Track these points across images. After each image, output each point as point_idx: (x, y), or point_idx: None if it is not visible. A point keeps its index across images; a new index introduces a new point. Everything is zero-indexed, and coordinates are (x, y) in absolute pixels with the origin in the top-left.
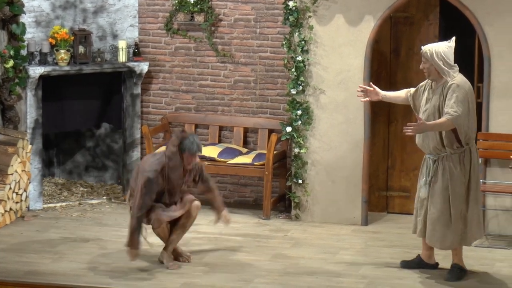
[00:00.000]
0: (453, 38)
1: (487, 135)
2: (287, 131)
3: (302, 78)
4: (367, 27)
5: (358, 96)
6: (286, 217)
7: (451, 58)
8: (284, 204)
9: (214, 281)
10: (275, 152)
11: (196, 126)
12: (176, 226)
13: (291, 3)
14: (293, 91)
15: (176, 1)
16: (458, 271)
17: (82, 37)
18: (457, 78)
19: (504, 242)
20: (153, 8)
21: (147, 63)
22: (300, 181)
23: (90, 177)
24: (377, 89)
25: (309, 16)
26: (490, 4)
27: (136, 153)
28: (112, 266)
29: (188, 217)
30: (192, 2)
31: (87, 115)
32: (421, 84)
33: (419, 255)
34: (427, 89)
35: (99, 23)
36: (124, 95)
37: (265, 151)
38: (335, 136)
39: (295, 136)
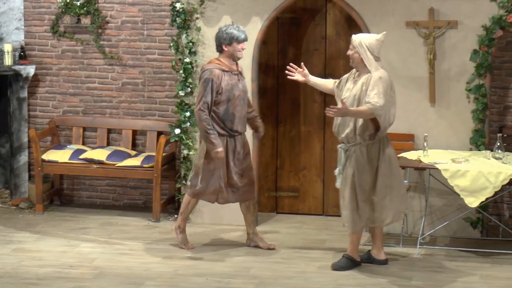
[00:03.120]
0: (384, 33)
1: None
2: (176, 133)
3: (190, 80)
4: (255, 28)
5: (286, 72)
6: (176, 219)
7: (376, 51)
8: (174, 206)
9: (104, 285)
10: (164, 154)
11: (84, 129)
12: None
13: (178, 5)
14: (182, 93)
15: (62, 4)
16: (347, 261)
17: None
18: (381, 70)
19: (393, 240)
20: (39, 11)
21: (34, 66)
22: (189, 183)
23: None
24: (306, 71)
25: (197, 18)
26: (375, 5)
27: (23, 157)
28: None
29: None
30: (79, 4)
31: None
32: (344, 76)
33: (369, 251)
34: (350, 79)
35: None
36: (10, 99)
37: (154, 154)
38: None
39: (184, 138)
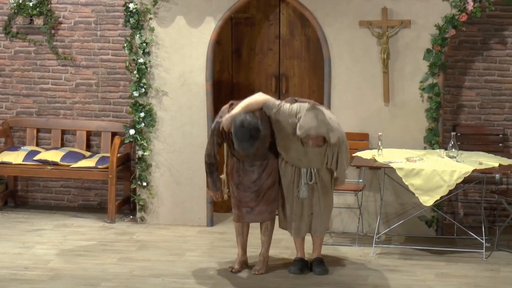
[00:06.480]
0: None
1: None
2: (131, 133)
3: (144, 80)
4: (208, 28)
5: None
6: (131, 220)
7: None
8: (129, 207)
9: (60, 286)
10: (118, 155)
11: (38, 130)
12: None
13: (131, 5)
14: (136, 94)
15: (15, 4)
16: (324, 263)
17: None
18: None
19: (348, 239)
20: None
21: None
22: (144, 184)
23: None
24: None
25: (150, 18)
26: (328, 5)
27: None
28: None
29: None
30: (31, 5)
31: None
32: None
33: (302, 258)
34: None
35: None
36: None
37: (108, 154)
38: (179, 137)
39: (139, 139)
